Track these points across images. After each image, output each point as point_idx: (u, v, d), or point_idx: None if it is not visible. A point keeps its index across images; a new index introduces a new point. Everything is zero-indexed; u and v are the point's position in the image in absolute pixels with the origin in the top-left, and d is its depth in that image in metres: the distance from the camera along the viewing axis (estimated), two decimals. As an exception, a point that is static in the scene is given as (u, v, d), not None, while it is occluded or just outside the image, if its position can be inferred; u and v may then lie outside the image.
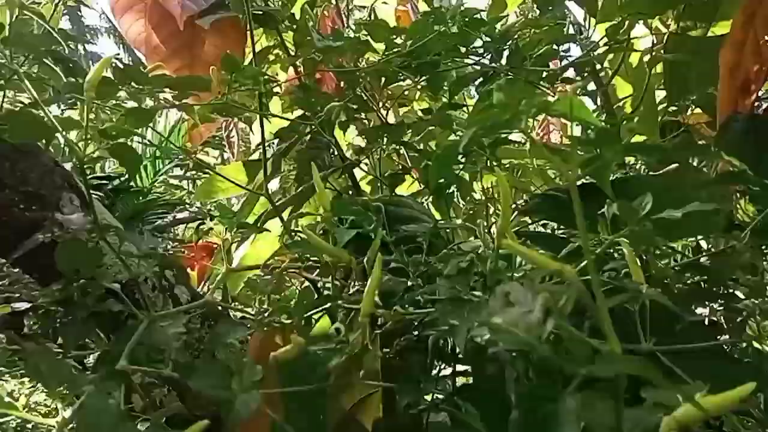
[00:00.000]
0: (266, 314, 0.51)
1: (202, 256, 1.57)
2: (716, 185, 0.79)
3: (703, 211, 0.49)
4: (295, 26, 1.15)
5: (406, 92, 1.19)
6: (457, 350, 0.47)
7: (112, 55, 0.54)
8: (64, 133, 0.48)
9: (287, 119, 0.94)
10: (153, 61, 1.07)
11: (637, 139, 1.43)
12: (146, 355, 0.43)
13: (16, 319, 0.70)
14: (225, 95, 0.74)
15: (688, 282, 0.76)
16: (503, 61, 0.83)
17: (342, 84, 1.31)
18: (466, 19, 0.76)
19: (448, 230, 0.84)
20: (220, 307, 0.66)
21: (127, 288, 0.56)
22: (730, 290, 0.76)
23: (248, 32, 1.02)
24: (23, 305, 0.56)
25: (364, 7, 1.80)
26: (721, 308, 0.76)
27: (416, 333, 0.44)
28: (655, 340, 0.42)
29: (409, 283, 0.46)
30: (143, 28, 1.13)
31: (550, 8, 1.00)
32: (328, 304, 0.49)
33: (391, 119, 1.36)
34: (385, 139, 1.00)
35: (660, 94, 1.26)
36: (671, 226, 0.47)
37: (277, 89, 0.89)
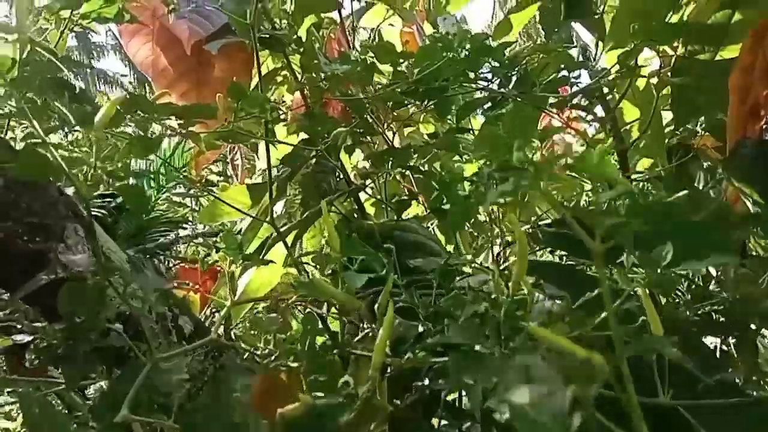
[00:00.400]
0: (272, 357, 0.50)
1: (206, 279, 1.56)
2: (728, 214, 0.77)
3: (715, 241, 0.48)
4: (301, 49, 1.15)
5: (413, 115, 1.19)
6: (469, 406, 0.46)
7: (122, 96, 0.54)
8: (71, 170, 0.48)
9: (293, 145, 0.93)
10: (160, 84, 1.07)
11: (645, 162, 1.42)
12: (148, 398, 0.42)
13: (17, 347, 0.69)
14: (231, 122, 0.73)
15: (699, 312, 0.74)
16: (511, 86, 0.83)
17: (348, 108, 1.31)
18: (475, 46, 0.75)
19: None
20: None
21: (131, 320, 0.55)
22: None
23: (255, 55, 1.02)
24: (24, 338, 0.55)
25: (369, 29, 1.80)
26: (734, 339, 0.75)
27: (427, 382, 0.43)
28: (673, 393, 0.40)
29: (420, 328, 0.45)
30: (150, 51, 1.13)
31: (556, 30, 1.00)
32: (336, 350, 0.48)
33: (397, 141, 1.36)
34: (391, 163, 1.00)
35: (667, 116, 1.26)
36: (680, 257, 0.46)
37: (283, 115, 0.89)
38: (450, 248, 1.26)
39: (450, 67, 0.80)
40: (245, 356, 0.54)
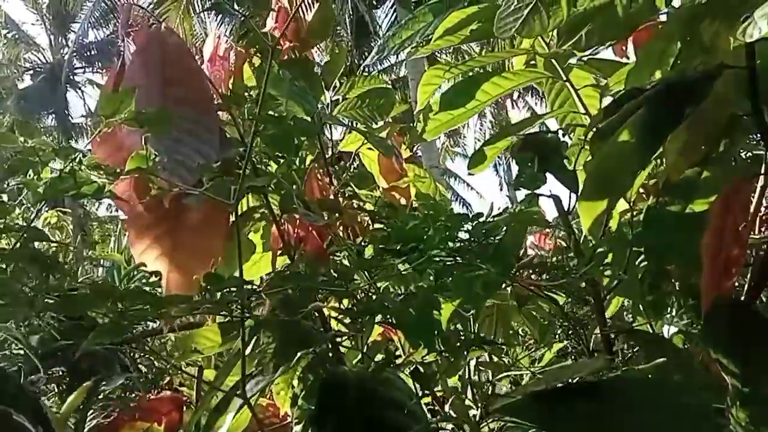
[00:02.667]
0: None
1: (170, 410, 1.49)
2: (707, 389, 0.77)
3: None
4: (282, 192, 1.15)
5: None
6: None
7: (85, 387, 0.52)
8: None
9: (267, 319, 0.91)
10: (134, 227, 1.06)
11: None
12: None
13: None
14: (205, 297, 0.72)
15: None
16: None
17: (323, 243, 1.31)
18: (453, 223, 0.76)
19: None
20: None
21: None
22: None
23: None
24: None
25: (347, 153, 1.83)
26: None
27: None
28: None
29: None
30: (127, 186, 1.12)
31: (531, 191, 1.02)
32: None
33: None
34: (368, 318, 0.98)
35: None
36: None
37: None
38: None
39: (428, 239, 0.81)
40: None
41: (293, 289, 0.80)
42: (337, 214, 1.22)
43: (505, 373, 1.24)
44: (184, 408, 1.53)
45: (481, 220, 0.79)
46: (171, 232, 1.08)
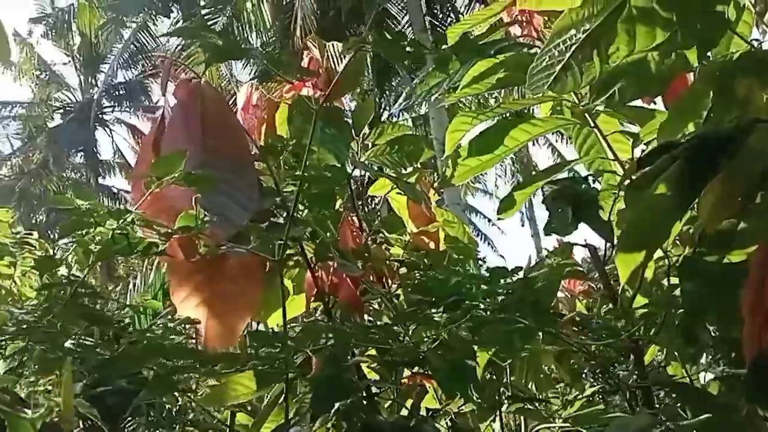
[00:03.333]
0: None
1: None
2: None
3: None
4: (317, 240, 1.17)
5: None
6: None
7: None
8: None
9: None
10: (176, 277, 1.08)
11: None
12: None
13: None
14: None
15: None
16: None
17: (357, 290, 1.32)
18: (494, 280, 0.77)
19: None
20: None
21: None
22: None
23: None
24: None
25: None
26: None
27: None
28: None
29: None
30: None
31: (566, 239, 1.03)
32: None
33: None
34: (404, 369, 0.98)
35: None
36: None
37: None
38: None
39: (469, 292, 0.81)
40: None
41: (336, 344, 0.81)
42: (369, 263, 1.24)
43: (544, 425, 1.22)
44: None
45: (520, 274, 0.80)
46: (210, 280, 1.10)
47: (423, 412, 1.33)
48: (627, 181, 1.08)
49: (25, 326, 0.66)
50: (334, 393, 0.97)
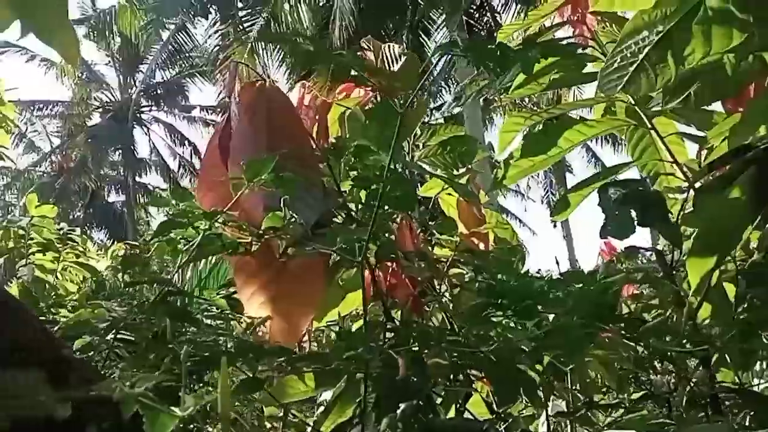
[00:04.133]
0: None
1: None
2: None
3: None
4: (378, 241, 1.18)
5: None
6: None
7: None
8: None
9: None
10: (242, 276, 1.10)
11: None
12: None
13: None
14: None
15: None
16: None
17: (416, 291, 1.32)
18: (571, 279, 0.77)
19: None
20: None
21: None
22: None
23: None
24: None
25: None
26: None
27: None
28: None
29: None
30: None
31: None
32: None
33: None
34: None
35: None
36: None
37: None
38: None
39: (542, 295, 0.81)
40: None
41: (420, 346, 0.82)
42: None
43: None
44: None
45: (598, 278, 0.79)
46: (274, 279, 1.12)
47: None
48: (697, 185, 1.07)
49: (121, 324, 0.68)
50: (404, 393, 0.98)
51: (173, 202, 0.73)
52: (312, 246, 0.83)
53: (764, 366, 1.56)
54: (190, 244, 0.75)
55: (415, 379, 1.08)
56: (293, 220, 0.82)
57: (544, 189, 23.95)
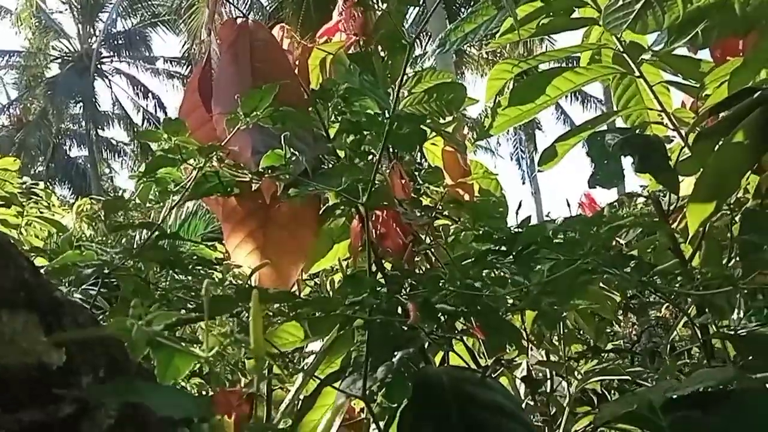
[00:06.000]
0: None
1: (240, 403, 1.49)
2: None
3: None
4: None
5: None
6: None
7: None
8: None
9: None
10: (229, 223, 1.05)
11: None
12: None
13: None
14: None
15: None
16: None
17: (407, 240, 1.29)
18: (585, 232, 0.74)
19: None
20: None
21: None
22: None
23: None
24: None
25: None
26: None
27: None
28: None
29: None
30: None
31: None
32: None
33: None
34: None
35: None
36: None
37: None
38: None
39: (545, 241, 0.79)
40: None
41: (431, 293, 0.79)
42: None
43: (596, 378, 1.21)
44: (255, 402, 1.53)
45: (604, 223, 0.77)
46: (263, 227, 1.08)
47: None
48: (695, 131, 1.05)
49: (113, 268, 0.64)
50: (390, 338, 0.96)
51: (165, 136, 0.67)
52: (313, 186, 0.79)
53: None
54: (182, 183, 0.70)
55: (406, 329, 1.07)
56: (293, 159, 0.77)
57: (514, 146, 24.08)
